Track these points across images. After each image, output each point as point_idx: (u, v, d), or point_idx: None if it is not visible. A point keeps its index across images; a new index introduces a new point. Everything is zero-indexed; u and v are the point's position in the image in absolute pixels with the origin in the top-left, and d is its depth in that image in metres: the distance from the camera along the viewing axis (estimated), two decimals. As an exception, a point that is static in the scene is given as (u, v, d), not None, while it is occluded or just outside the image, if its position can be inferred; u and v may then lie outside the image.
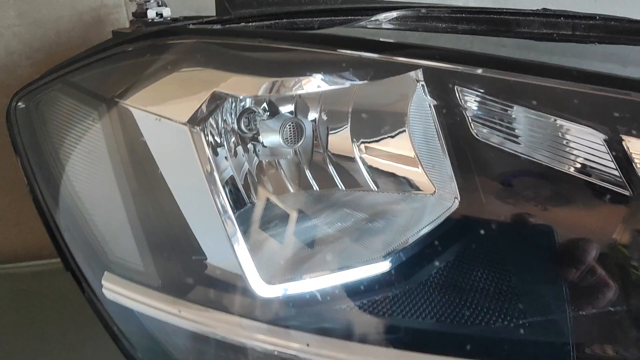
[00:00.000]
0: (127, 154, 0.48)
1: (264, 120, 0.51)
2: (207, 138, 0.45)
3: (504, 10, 0.50)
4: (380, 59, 0.40)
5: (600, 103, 0.37)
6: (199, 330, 0.45)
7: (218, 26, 0.50)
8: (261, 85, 0.43)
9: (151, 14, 0.65)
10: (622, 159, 0.37)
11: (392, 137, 0.49)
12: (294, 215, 0.50)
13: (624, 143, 0.38)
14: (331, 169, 0.53)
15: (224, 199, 0.42)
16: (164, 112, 0.44)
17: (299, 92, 0.45)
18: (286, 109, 0.49)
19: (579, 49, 0.50)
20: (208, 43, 0.44)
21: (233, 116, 0.52)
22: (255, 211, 0.50)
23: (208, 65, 0.44)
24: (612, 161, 0.38)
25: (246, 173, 0.52)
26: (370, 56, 0.40)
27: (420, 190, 0.48)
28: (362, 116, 0.49)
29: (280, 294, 0.43)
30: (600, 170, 0.39)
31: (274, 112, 0.52)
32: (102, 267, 0.48)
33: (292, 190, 0.53)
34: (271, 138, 0.50)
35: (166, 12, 0.68)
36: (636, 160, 0.38)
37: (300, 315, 0.43)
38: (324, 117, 0.50)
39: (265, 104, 0.52)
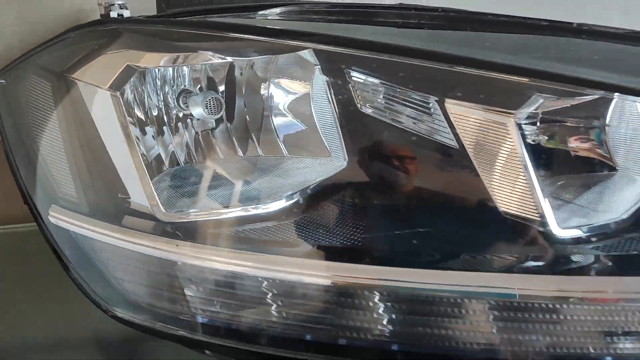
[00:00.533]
0: (73, 114, 0.63)
1: (193, 97, 0.65)
2: (132, 104, 0.60)
3: (365, 5, 0.63)
4: (249, 39, 0.55)
5: (434, 75, 0.50)
6: (121, 245, 0.59)
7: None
8: (161, 59, 0.57)
9: (113, 14, 0.81)
10: (448, 118, 0.50)
11: (300, 111, 0.63)
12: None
13: (445, 105, 0.51)
14: (255, 138, 0.67)
15: (138, 148, 0.57)
16: (96, 82, 0.59)
17: (192, 64, 0.59)
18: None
19: (424, 34, 0.63)
20: (125, 30, 0.58)
21: (174, 95, 0.66)
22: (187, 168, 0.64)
23: (128, 46, 0.59)
24: (444, 121, 0.51)
25: (186, 141, 0.67)
26: (236, 36, 0.54)
27: (319, 154, 0.62)
28: (277, 94, 0.63)
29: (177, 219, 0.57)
30: (440, 130, 0.52)
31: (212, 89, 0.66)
32: (50, 201, 0.63)
33: (221, 156, 0.68)
34: (197, 111, 0.64)
35: (126, 13, 0.83)
36: (452, 119, 0.51)
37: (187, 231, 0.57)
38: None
39: (200, 85, 0.66)
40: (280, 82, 0.61)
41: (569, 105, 0.51)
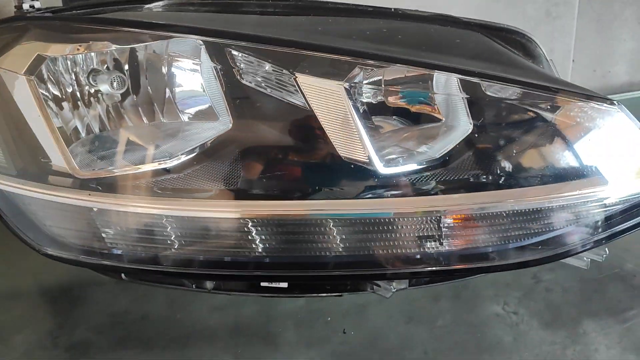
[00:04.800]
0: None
1: (100, 75, 0.76)
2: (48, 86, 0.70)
3: None
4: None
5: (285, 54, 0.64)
6: (46, 198, 0.72)
7: (49, 14, 0.75)
8: (65, 49, 0.69)
9: (25, 6, 0.90)
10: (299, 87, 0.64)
11: (192, 84, 0.76)
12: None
13: (296, 77, 0.65)
14: (157, 107, 0.79)
15: (56, 120, 0.68)
16: (14, 69, 0.69)
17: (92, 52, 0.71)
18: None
19: (276, 20, 0.77)
20: (32, 25, 0.69)
21: (85, 75, 0.77)
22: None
23: (36, 38, 0.70)
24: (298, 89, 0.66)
25: (99, 113, 0.78)
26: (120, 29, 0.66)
27: (210, 118, 0.75)
28: (173, 70, 0.76)
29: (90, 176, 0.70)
30: (295, 96, 0.67)
31: (118, 69, 0.78)
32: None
33: (130, 124, 0.80)
34: (104, 87, 0.76)
35: (37, 4, 0.92)
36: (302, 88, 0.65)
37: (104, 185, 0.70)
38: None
39: (107, 65, 0.78)
40: (174, 60, 0.74)
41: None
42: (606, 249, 0.72)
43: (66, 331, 0.82)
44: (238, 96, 0.68)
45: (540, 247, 0.70)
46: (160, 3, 0.75)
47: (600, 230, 0.70)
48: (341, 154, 0.64)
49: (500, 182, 0.67)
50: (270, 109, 0.68)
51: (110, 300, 0.89)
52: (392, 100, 0.70)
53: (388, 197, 0.67)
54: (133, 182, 0.70)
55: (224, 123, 0.70)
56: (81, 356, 0.77)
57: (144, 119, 0.76)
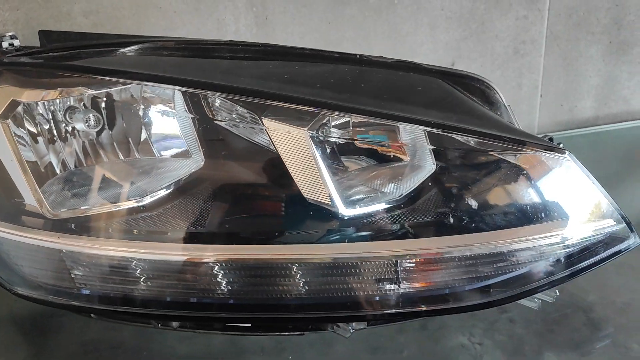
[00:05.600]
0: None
1: (76, 113, 0.78)
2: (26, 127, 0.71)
3: (206, 41, 0.79)
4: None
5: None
6: (16, 239, 0.73)
7: (25, 57, 0.77)
8: (40, 94, 0.70)
9: (4, 44, 0.92)
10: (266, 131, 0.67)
11: (167, 123, 0.78)
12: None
13: (263, 120, 0.68)
14: (133, 145, 0.81)
15: (31, 158, 0.70)
16: None
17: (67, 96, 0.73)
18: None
19: (244, 65, 0.79)
20: (6, 70, 0.71)
21: (62, 112, 0.79)
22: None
23: (10, 83, 0.72)
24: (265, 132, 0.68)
25: (75, 149, 0.80)
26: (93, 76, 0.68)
27: (183, 156, 0.77)
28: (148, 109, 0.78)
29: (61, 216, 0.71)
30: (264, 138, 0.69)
31: (95, 108, 0.80)
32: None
33: (105, 160, 0.81)
34: (79, 125, 0.77)
35: (16, 42, 0.94)
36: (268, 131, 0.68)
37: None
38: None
39: (84, 103, 0.80)
40: (149, 101, 0.76)
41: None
42: (556, 291, 0.75)
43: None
44: (210, 135, 0.70)
45: (503, 287, 0.72)
46: (134, 47, 0.78)
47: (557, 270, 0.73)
48: (305, 196, 0.66)
49: (463, 224, 0.70)
50: (241, 149, 0.70)
51: (83, 330, 0.90)
52: (360, 142, 0.73)
53: (350, 240, 0.69)
54: (104, 221, 0.72)
55: (196, 161, 0.72)
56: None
57: (120, 155, 0.78)
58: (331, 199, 0.66)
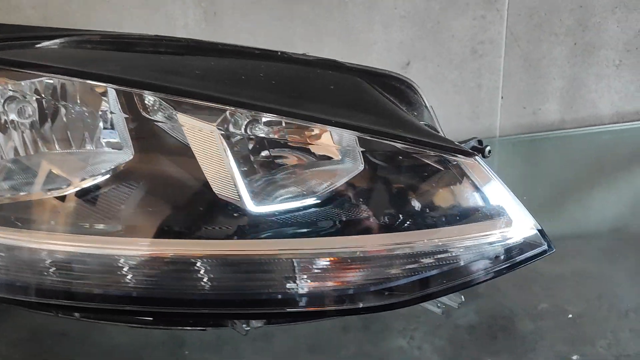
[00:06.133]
0: None
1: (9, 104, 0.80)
2: None
3: (129, 35, 0.80)
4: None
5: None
6: None
7: None
8: None
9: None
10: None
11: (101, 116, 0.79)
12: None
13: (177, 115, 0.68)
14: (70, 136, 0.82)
15: None
16: None
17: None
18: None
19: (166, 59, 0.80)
20: None
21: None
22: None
23: None
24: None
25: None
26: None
27: (115, 147, 0.78)
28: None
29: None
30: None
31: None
32: None
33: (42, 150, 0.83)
34: (12, 116, 0.79)
35: None
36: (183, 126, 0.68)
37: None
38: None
39: (23, 93, 0.81)
40: (81, 94, 0.77)
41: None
42: (462, 296, 0.73)
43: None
44: (140, 128, 0.70)
45: (405, 290, 0.71)
46: (57, 41, 0.79)
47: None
48: (215, 192, 0.67)
49: (385, 225, 0.69)
50: (163, 143, 0.71)
51: (32, 317, 0.92)
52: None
53: (254, 237, 0.69)
54: (17, 211, 0.73)
55: (126, 154, 0.72)
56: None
57: (57, 146, 0.79)
58: (240, 196, 0.66)
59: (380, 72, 0.79)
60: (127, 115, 0.69)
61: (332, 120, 0.65)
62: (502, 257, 0.69)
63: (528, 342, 0.93)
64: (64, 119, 0.75)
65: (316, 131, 0.72)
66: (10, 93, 0.76)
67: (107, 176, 0.71)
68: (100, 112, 0.75)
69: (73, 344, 0.89)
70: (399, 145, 0.67)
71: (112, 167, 0.72)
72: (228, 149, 0.66)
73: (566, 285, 1.09)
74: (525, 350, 0.90)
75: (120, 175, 0.72)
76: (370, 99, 0.74)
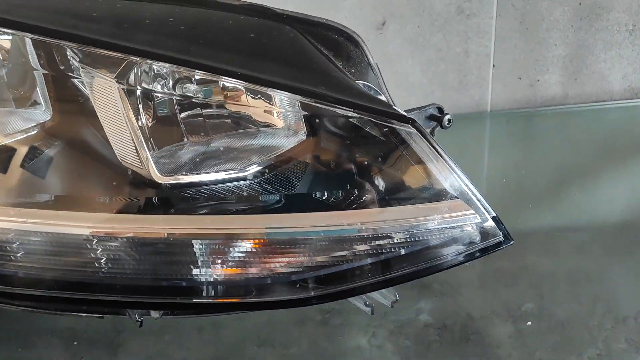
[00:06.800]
0: None
1: None
2: None
3: None
4: None
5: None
6: None
7: None
8: None
9: None
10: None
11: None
12: None
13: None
14: None
15: None
16: None
17: None
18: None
19: None
20: None
21: None
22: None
23: None
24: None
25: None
26: None
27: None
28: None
29: None
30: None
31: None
32: None
33: None
34: None
35: None
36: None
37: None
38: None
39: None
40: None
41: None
42: (396, 294, 0.61)
43: None
44: (60, 85, 0.60)
45: (323, 282, 0.60)
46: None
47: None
48: (120, 159, 0.57)
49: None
50: (79, 103, 0.60)
51: None
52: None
53: (161, 213, 0.59)
54: None
55: (45, 113, 0.62)
56: None
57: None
58: (144, 164, 0.56)
59: (314, 21, 0.65)
60: (45, 71, 0.60)
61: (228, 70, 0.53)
62: (443, 248, 0.56)
63: (504, 348, 0.81)
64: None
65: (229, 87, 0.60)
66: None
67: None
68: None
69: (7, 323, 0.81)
70: (324, 107, 0.55)
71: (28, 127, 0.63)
72: (129, 106, 0.56)
73: (558, 284, 0.96)
74: (499, 357, 0.78)
75: (36, 138, 0.62)
76: (296, 51, 0.61)
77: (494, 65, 1.09)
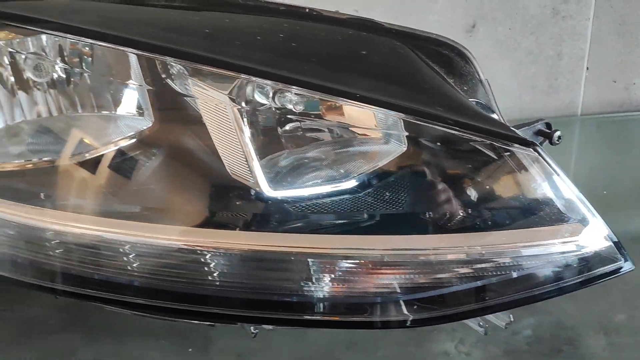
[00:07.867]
0: None
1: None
2: None
3: None
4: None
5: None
6: None
7: None
8: None
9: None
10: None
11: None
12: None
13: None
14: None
15: None
16: None
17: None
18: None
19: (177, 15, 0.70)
20: None
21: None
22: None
23: None
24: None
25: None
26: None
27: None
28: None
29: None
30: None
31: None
32: None
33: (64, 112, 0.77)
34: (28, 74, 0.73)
35: None
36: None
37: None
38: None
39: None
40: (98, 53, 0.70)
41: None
42: (510, 315, 0.60)
43: None
44: (162, 95, 0.62)
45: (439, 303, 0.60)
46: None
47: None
48: (231, 172, 0.58)
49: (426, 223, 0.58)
50: (182, 113, 0.62)
51: None
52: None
53: (269, 229, 0.59)
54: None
55: (146, 120, 0.64)
56: None
57: (79, 108, 0.73)
58: (255, 178, 0.57)
59: (423, 36, 0.65)
60: (149, 87, 0.61)
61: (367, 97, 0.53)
62: (563, 273, 0.55)
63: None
64: (88, 81, 0.69)
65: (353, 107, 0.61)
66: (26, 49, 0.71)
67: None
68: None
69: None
70: (441, 129, 0.55)
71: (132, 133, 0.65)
72: (241, 120, 0.57)
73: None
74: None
75: (137, 145, 0.64)
76: (409, 69, 0.61)
77: (587, 68, 1.06)
